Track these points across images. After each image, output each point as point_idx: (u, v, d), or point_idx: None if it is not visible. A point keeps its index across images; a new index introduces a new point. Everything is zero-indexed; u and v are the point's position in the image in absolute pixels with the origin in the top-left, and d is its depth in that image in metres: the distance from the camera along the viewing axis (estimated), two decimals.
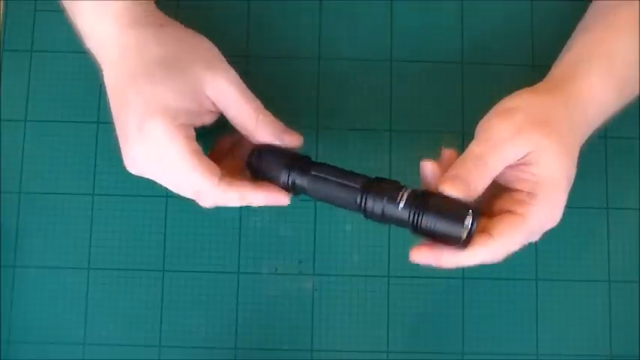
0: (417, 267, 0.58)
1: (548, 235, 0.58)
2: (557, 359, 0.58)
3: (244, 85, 0.49)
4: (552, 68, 0.52)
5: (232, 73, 0.49)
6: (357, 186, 0.47)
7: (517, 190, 0.47)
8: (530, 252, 0.59)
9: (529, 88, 0.50)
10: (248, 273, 0.58)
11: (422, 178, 0.47)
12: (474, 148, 0.47)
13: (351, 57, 0.61)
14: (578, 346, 0.58)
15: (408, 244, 0.58)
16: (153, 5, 0.51)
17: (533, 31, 0.61)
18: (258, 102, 0.50)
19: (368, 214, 0.47)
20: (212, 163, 0.48)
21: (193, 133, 0.48)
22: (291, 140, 0.50)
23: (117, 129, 0.48)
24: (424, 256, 0.46)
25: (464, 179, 0.45)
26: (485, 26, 0.61)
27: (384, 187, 0.47)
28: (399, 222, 0.46)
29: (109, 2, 0.48)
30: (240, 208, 0.59)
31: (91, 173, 0.59)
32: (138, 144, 0.47)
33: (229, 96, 0.48)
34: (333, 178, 0.48)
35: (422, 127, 0.60)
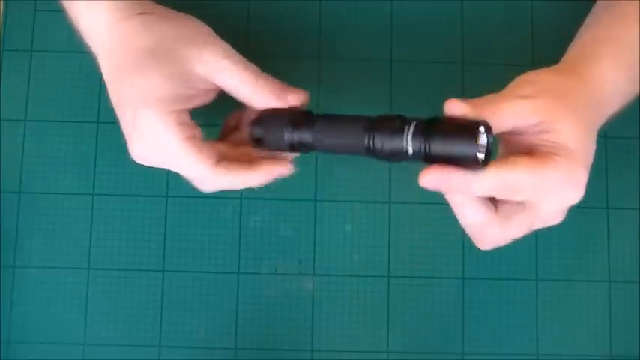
0: (417, 267, 0.59)
1: (548, 235, 0.58)
2: (557, 359, 0.58)
3: (238, 55, 0.48)
4: (564, 56, 0.52)
5: (222, 46, 0.48)
6: (361, 127, 0.45)
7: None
8: (531, 252, 0.59)
9: (543, 68, 0.48)
10: (248, 273, 0.58)
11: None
12: (487, 96, 0.45)
13: (351, 57, 0.61)
14: (578, 346, 0.58)
15: (408, 244, 0.59)
16: None
17: (533, 31, 0.61)
18: (254, 67, 0.48)
19: (378, 154, 0.45)
20: (209, 148, 0.47)
21: (187, 119, 0.47)
22: (294, 98, 0.48)
23: (121, 125, 0.48)
24: (434, 177, 0.43)
25: (470, 101, 0.43)
26: (485, 26, 0.61)
27: (387, 123, 0.44)
28: (412, 155, 0.44)
29: None
30: (241, 207, 0.59)
31: (91, 173, 0.59)
32: (136, 139, 0.47)
33: (221, 67, 0.47)
34: (337, 126, 0.46)
35: None
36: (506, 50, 0.61)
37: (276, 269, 0.59)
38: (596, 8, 0.55)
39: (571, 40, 0.54)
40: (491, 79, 0.61)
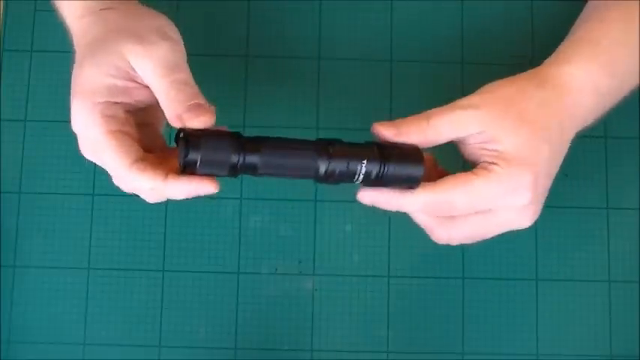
0: (417, 267, 0.59)
1: (548, 235, 0.58)
2: (557, 359, 0.58)
3: (176, 60, 0.45)
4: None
5: (160, 45, 0.45)
6: (312, 150, 0.45)
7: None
8: (530, 252, 0.59)
9: (507, 77, 0.50)
10: (248, 273, 0.58)
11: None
12: (429, 111, 0.47)
13: (351, 57, 0.61)
14: (578, 346, 0.58)
15: (409, 244, 0.59)
16: None
17: (534, 31, 0.61)
18: (184, 77, 0.45)
19: (328, 177, 0.46)
20: (133, 145, 0.45)
21: (118, 112, 0.45)
22: (204, 120, 0.44)
23: None
24: (371, 196, 0.46)
25: (396, 124, 0.46)
26: (485, 26, 0.61)
27: (340, 149, 0.46)
28: (362, 179, 0.46)
29: None
30: (241, 207, 0.59)
31: (91, 173, 0.59)
32: (73, 128, 0.46)
33: (143, 66, 0.45)
34: (286, 151, 0.45)
35: None
36: (506, 50, 0.61)
37: (276, 269, 0.59)
38: (582, 14, 0.55)
39: None
40: (491, 79, 0.61)
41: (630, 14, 0.51)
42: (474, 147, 0.47)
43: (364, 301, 0.58)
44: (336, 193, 0.59)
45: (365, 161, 0.45)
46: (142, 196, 0.47)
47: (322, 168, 0.45)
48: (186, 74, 0.46)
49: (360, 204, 0.47)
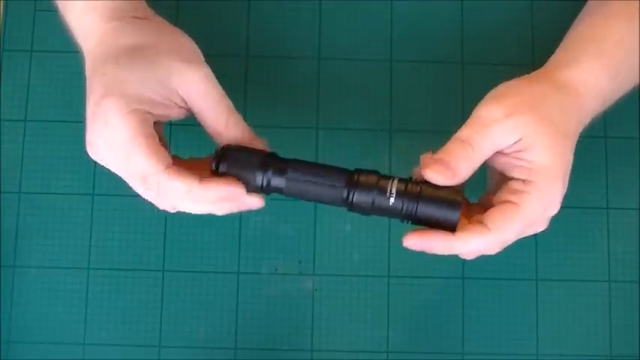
0: (417, 267, 0.59)
1: (548, 235, 0.58)
2: (557, 359, 0.58)
3: (218, 86, 0.48)
4: (548, 60, 0.52)
5: (208, 71, 0.48)
6: (342, 181, 0.46)
7: (514, 178, 0.47)
8: (530, 252, 0.59)
9: (520, 77, 0.50)
10: (248, 273, 0.58)
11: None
12: (460, 132, 0.47)
13: (351, 57, 0.61)
14: (578, 346, 0.58)
15: None
16: (141, 2, 0.51)
17: (533, 31, 0.61)
18: (229, 102, 0.48)
19: (355, 208, 0.46)
20: (164, 150, 0.46)
21: (150, 120, 0.46)
22: (259, 145, 0.49)
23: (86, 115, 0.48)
24: (417, 243, 0.46)
25: (447, 164, 0.45)
26: (485, 26, 0.61)
27: (369, 179, 0.46)
28: (389, 213, 0.46)
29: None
30: None
31: (91, 173, 0.59)
32: (92, 125, 0.46)
33: (201, 91, 0.47)
34: (313, 175, 0.46)
35: (422, 127, 0.60)
36: (506, 50, 0.61)
37: (276, 269, 0.59)
38: (583, 10, 0.55)
39: None
40: (491, 79, 0.61)
41: (632, 14, 0.51)
42: (508, 157, 0.47)
43: (364, 301, 0.58)
44: None
45: (393, 194, 0.45)
46: (170, 204, 0.47)
47: (347, 199, 0.46)
48: (223, 94, 0.48)
49: None
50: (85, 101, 0.48)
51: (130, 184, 0.47)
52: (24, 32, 0.61)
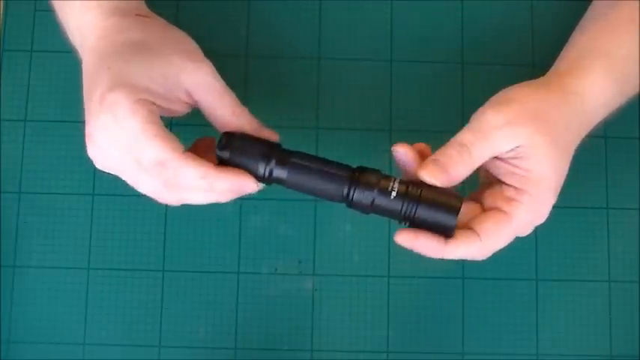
0: (417, 267, 0.59)
1: (548, 235, 0.58)
2: (557, 359, 0.58)
3: (222, 81, 0.48)
4: (553, 65, 0.52)
5: (212, 67, 0.48)
6: (344, 177, 0.46)
7: (507, 184, 0.47)
8: (530, 252, 0.59)
9: (528, 81, 0.49)
10: (248, 273, 0.58)
11: (396, 162, 0.47)
12: (460, 135, 0.47)
13: (351, 57, 0.61)
14: (578, 346, 0.58)
15: None
16: (141, 2, 0.51)
17: (533, 31, 0.61)
18: (235, 96, 0.48)
19: (354, 205, 0.47)
20: (175, 138, 0.46)
21: (157, 111, 0.46)
22: (269, 136, 0.48)
23: (85, 111, 0.47)
24: (409, 240, 0.46)
25: (444, 167, 0.46)
26: (485, 26, 0.61)
27: (371, 177, 0.46)
28: (388, 213, 0.46)
29: None
30: (240, 207, 0.59)
31: (91, 173, 0.59)
32: (97, 118, 0.45)
33: (207, 84, 0.47)
34: (316, 168, 0.47)
35: (422, 127, 0.60)
36: (506, 50, 0.61)
37: (276, 269, 0.59)
38: (588, 12, 0.54)
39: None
40: (491, 79, 0.61)
41: (638, 22, 0.51)
42: (504, 162, 0.47)
43: (364, 301, 0.58)
44: None
45: (392, 194, 0.46)
46: (177, 196, 0.47)
47: (348, 195, 0.46)
48: (227, 87, 0.48)
49: None
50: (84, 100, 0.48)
51: (130, 181, 0.47)
52: (24, 32, 0.61)
